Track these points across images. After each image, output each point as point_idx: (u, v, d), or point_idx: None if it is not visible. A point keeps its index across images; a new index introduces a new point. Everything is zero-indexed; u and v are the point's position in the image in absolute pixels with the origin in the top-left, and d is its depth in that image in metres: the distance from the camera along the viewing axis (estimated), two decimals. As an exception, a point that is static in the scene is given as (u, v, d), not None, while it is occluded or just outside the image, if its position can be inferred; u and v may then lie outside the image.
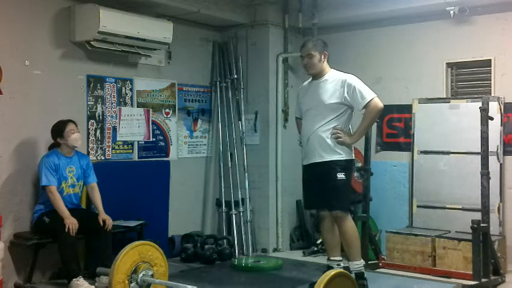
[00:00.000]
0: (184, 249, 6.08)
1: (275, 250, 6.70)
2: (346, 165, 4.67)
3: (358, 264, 4.67)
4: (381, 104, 4.60)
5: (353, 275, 4.24)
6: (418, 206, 6.16)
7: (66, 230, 4.76)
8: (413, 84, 6.27)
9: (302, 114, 4.94)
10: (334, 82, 4.69)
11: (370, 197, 5.78)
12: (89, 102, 5.66)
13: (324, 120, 4.65)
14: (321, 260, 6.13)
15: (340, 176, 4.60)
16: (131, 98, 6.05)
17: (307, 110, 4.83)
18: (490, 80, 5.84)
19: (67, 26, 5.42)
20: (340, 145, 4.62)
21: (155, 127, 6.28)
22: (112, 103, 5.86)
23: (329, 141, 4.62)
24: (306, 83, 4.97)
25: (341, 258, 4.78)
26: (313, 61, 4.72)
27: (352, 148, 4.76)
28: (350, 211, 4.84)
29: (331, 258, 4.78)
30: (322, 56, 4.73)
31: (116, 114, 5.90)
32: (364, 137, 5.69)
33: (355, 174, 6.03)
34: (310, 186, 4.81)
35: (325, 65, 4.78)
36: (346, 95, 4.61)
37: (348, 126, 4.73)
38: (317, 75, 4.79)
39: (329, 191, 4.64)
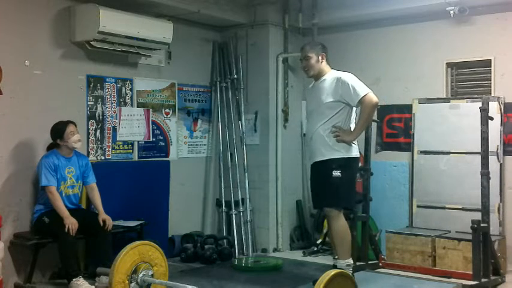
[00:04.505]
0: (184, 249, 6.08)
1: (275, 250, 6.69)
2: (345, 163, 4.66)
3: (342, 263, 4.67)
4: (375, 99, 4.63)
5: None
6: (418, 206, 6.16)
7: (66, 230, 4.76)
8: (413, 84, 6.27)
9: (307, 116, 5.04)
10: (330, 81, 4.74)
11: (370, 197, 5.78)
12: (89, 102, 5.66)
13: (324, 119, 4.69)
14: (321, 260, 6.15)
15: (336, 173, 4.62)
16: (131, 98, 6.05)
17: (310, 112, 4.92)
18: (490, 80, 5.84)
19: (67, 26, 5.42)
20: (340, 143, 4.65)
21: (155, 127, 6.28)
22: (112, 103, 5.86)
23: (328, 139, 4.66)
24: (310, 85, 5.04)
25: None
26: (311, 62, 4.81)
27: (355, 145, 4.74)
28: (349, 210, 4.86)
29: (337, 257, 4.81)
30: (320, 57, 4.80)
31: (116, 114, 5.90)
32: (364, 136, 5.71)
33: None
34: (313, 185, 4.89)
35: (324, 66, 4.84)
36: (340, 92, 4.65)
37: (349, 124, 4.74)
38: (317, 77, 4.86)
39: (324, 189, 4.69)
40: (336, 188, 4.65)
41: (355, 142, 4.74)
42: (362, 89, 4.64)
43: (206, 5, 6.28)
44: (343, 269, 4.57)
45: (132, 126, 6.04)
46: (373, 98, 4.63)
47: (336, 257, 4.82)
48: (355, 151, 4.74)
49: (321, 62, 4.82)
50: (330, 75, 4.80)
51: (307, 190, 6.98)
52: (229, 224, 6.60)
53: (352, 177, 4.79)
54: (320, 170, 4.74)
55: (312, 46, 4.91)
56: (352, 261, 4.77)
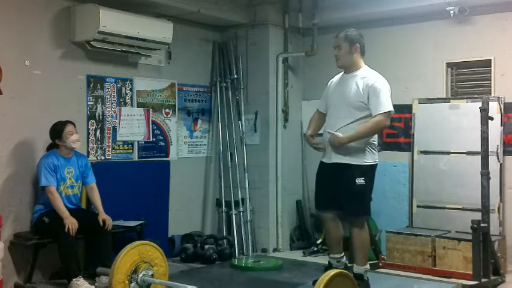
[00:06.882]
0: (184, 249, 6.08)
1: (275, 250, 6.69)
2: (367, 169, 4.51)
3: (361, 269, 4.63)
4: (387, 122, 4.46)
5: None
6: (418, 206, 6.16)
7: (66, 230, 4.77)
8: (413, 84, 6.27)
9: (326, 108, 4.73)
10: (363, 81, 4.51)
11: (370, 197, 5.77)
12: (89, 102, 5.66)
13: (348, 120, 4.48)
14: (321, 260, 6.14)
15: (360, 181, 4.47)
16: (131, 98, 6.05)
17: (333, 105, 4.64)
18: (490, 80, 5.84)
19: (67, 26, 5.42)
20: (364, 150, 4.47)
21: (155, 127, 6.28)
22: (112, 103, 5.86)
23: (351, 143, 4.45)
24: (337, 76, 4.78)
25: (342, 255, 4.78)
26: (341, 53, 4.57)
27: (376, 151, 4.58)
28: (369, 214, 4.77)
29: (332, 255, 4.79)
30: (353, 49, 4.55)
31: (116, 114, 5.90)
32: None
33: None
34: (325, 186, 4.67)
35: (357, 58, 4.59)
36: (368, 95, 4.45)
37: None
38: (348, 69, 4.62)
39: (347, 197, 4.53)
40: (362, 196, 4.54)
41: (375, 149, 4.60)
42: (386, 105, 4.41)
43: (206, 5, 6.28)
44: (361, 273, 4.59)
45: (132, 126, 6.04)
46: (386, 120, 4.42)
47: (331, 255, 4.79)
48: (376, 157, 4.59)
49: (353, 54, 4.55)
50: (363, 72, 4.56)
51: (307, 190, 6.99)
52: (229, 224, 6.60)
53: (371, 182, 4.62)
54: (338, 174, 4.52)
55: (346, 35, 4.57)
56: (368, 268, 4.74)
